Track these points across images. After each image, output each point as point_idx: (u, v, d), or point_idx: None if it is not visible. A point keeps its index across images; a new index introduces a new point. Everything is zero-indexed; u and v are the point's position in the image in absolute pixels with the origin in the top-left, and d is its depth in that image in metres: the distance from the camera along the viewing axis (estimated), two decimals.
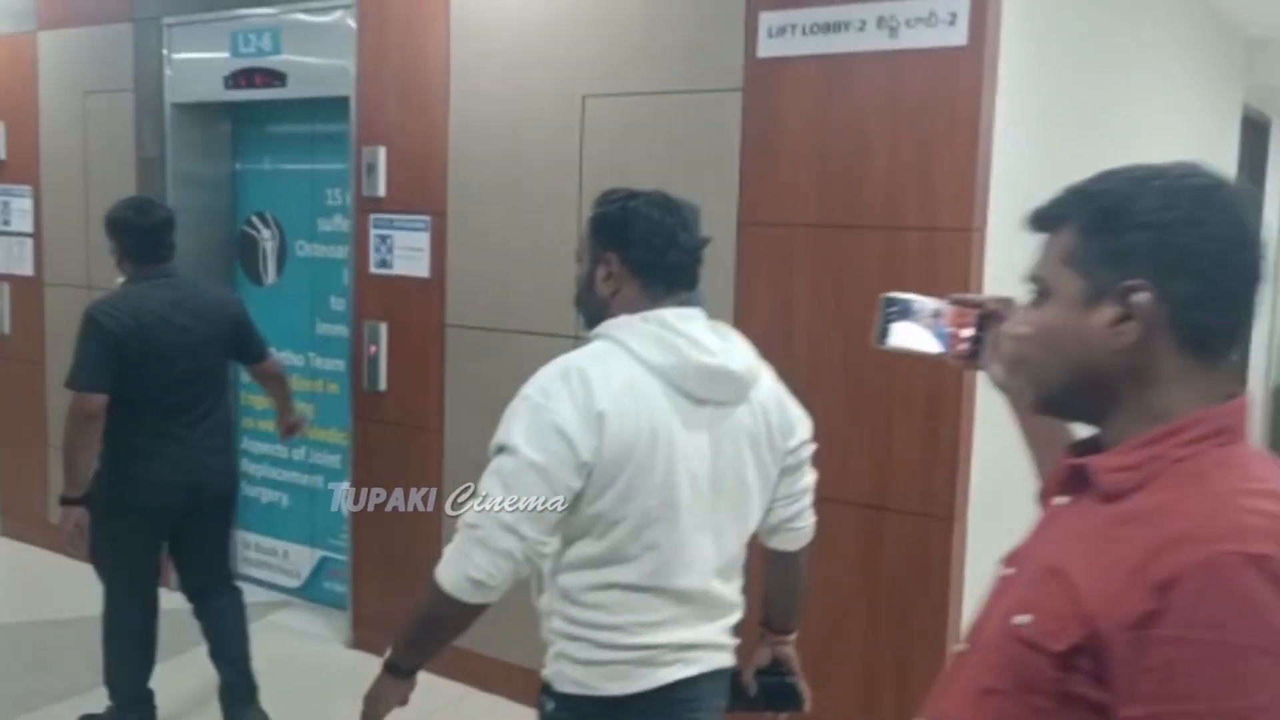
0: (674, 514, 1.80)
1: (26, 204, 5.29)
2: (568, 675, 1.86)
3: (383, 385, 4.11)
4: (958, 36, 2.88)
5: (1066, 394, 1.16)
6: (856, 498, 3.14)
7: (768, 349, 3.22)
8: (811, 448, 2.04)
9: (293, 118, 4.66)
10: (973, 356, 1.37)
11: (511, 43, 3.69)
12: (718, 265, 3.31)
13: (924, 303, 1.45)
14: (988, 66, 2.89)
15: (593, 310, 1.91)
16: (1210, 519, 0.99)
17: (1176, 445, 1.07)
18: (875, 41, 2.99)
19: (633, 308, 1.84)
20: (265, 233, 4.83)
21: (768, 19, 3.16)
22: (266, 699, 3.54)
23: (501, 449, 1.77)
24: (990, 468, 3.09)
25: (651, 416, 1.77)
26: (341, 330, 4.47)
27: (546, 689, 1.91)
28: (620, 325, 1.83)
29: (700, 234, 1.95)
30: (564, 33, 3.58)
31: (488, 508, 1.74)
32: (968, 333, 1.37)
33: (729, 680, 2.01)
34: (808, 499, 2.06)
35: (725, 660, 1.96)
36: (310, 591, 4.80)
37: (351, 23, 4.09)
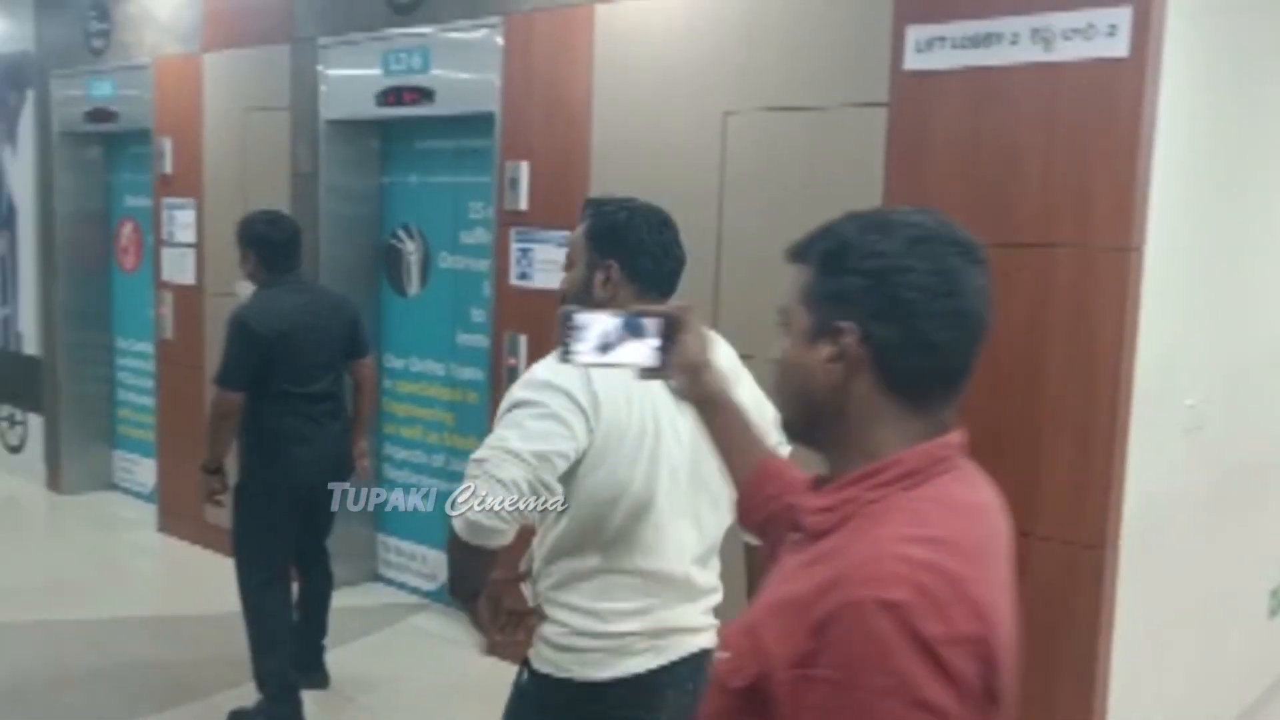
0: (654, 502, 1.88)
1: (190, 216, 5.57)
2: (544, 656, 1.95)
3: None
4: (1118, 48, 2.77)
5: (799, 425, 1.20)
6: None
7: None
8: (787, 448, 2.03)
9: (439, 133, 4.79)
10: (660, 367, 1.34)
11: (654, 59, 3.72)
12: None
13: (604, 317, 1.43)
14: (1149, 79, 2.78)
15: None
16: (862, 564, 1.02)
17: (869, 488, 1.10)
18: (1029, 54, 2.90)
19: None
20: (410, 244, 4.98)
21: (916, 32, 3.10)
22: (401, 701, 3.61)
23: (515, 405, 1.83)
24: (1149, 494, 2.96)
25: (640, 409, 1.86)
26: (481, 341, 4.57)
27: (526, 663, 2.00)
28: None
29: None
30: (706, 49, 3.58)
31: (496, 442, 1.79)
32: (654, 343, 1.35)
33: (710, 660, 2.01)
34: None
35: (705, 642, 1.99)
36: (446, 596, 4.91)
37: (499, 40, 4.18)
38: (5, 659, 4.21)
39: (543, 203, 4.10)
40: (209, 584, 4.94)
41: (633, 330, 1.36)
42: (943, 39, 3.05)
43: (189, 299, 5.63)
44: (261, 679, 3.64)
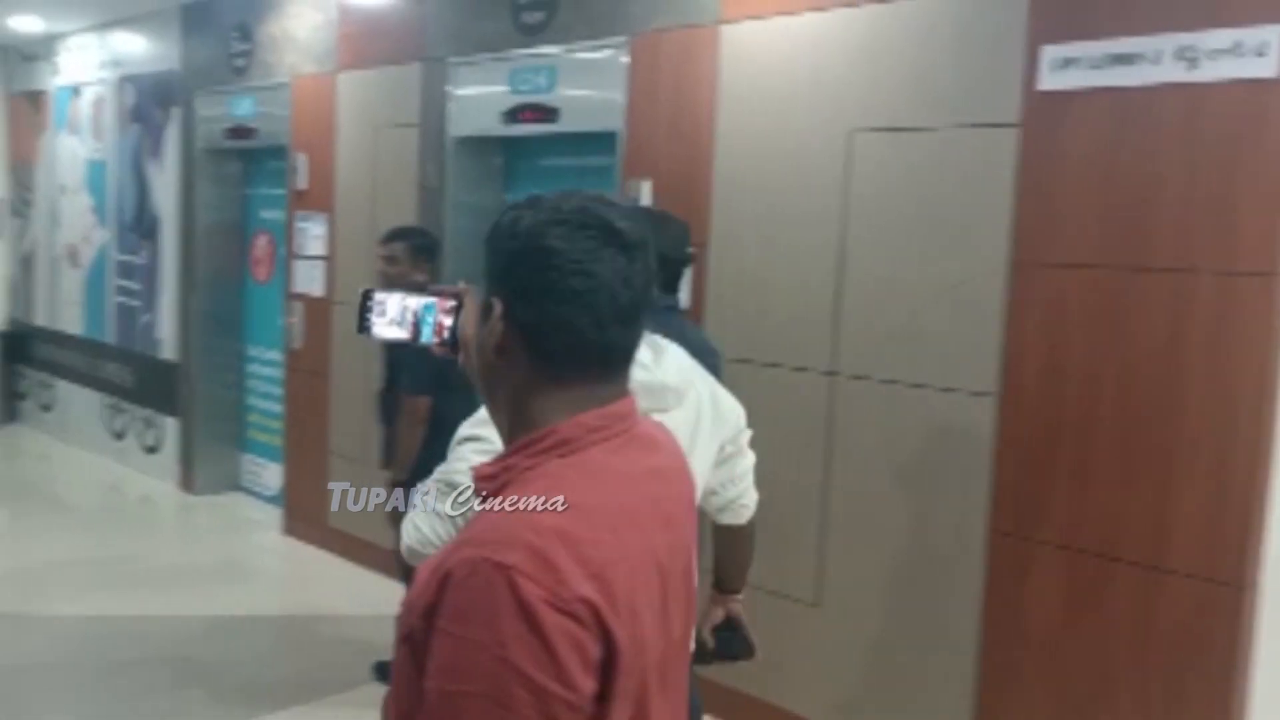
0: None
1: (322, 229, 5.77)
2: None
3: None
4: (1268, 68, 2.67)
5: (484, 396, 1.26)
6: (1129, 555, 2.95)
7: (1035, 394, 3.11)
8: (748, 434, 2.27)
9: (561, 151, 4.87)
10: (451, 346, 1.40)
11: (779, 77, 3.72)
12: (982, 308, 3.21)
13: (400, 296, 1.48)
14: None
15: None
16: (491, 526, 1.10)
17: (527, 456, 1.16)
18: (1172, 74, 2.82)
19: None
20: None
21: (1051, 52, 3.04)
22: None
23: (462, 440, 1.93)
24: None
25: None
26: None
27: None
28: None
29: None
30: (832, 67, 3.57)
31: (440, 476, 1.91)
32: (448, 322, 1.41)
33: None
34: (749, 479, 2.31)
35: None
36: None
37: (624, 59, 4.24)
38: (133, 651, 4.39)
39: None
40: (331, 586, 5.09)
41: (427, 309, 1.43)
42: (1079, 59, 2.99)
43: (318, 310, 5.82)
44: None
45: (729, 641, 2.44)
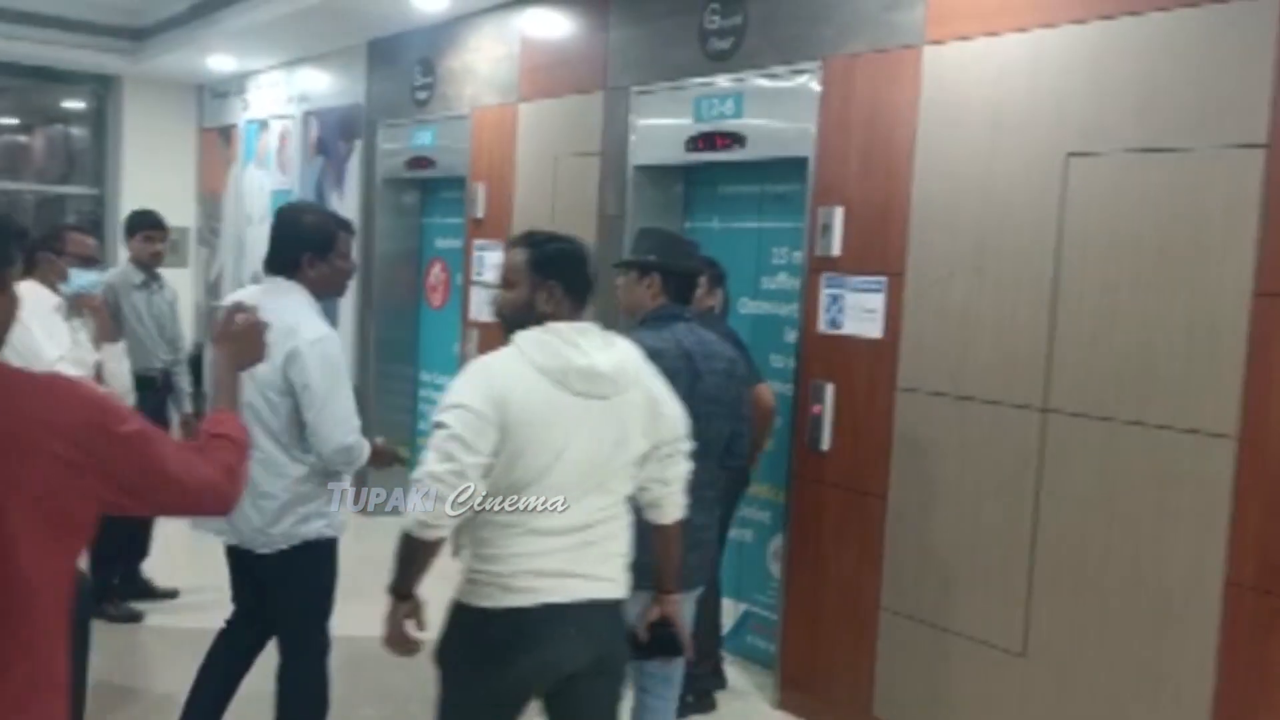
0: (549, 475, 2.28)
1: (498, 258, 5.83)
2: (459, 585, 2.40)
3: (825, 446, 4.08)
4: None
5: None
6: None
7: None
8: (687, 445, 2.54)
9: (744, 178, 4.80)
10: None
11: (988, 99, 3.57)
12: (1224, 338, 2.98)
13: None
14: None
15: (522, 324, 2.39)
16: None
17: None
18: None
19: (558, 321, 2.37)
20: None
21: None
22: None
23: (435, 426, 2.29)
24: None
25: (538, 404, 2.28)
26: (781, 388, 4.51)
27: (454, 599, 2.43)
28: (525, 337, 2.35)
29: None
30: (1049, 87, 3.40)
31: (431, 458, 2.27)
32: None
33: (615, 611, 2.42)
34: (680, 485, 2.55)
35: (602, 591, 2.38)
36: (732, 644, 4.84)
37: (815, 86, 4.15)
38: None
39: (856, 248, 4.01)
40: None
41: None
42: None
43: (494, 337, 5.86)
44: (697, 677, 3.97)
45: (661, 639, 2.63)
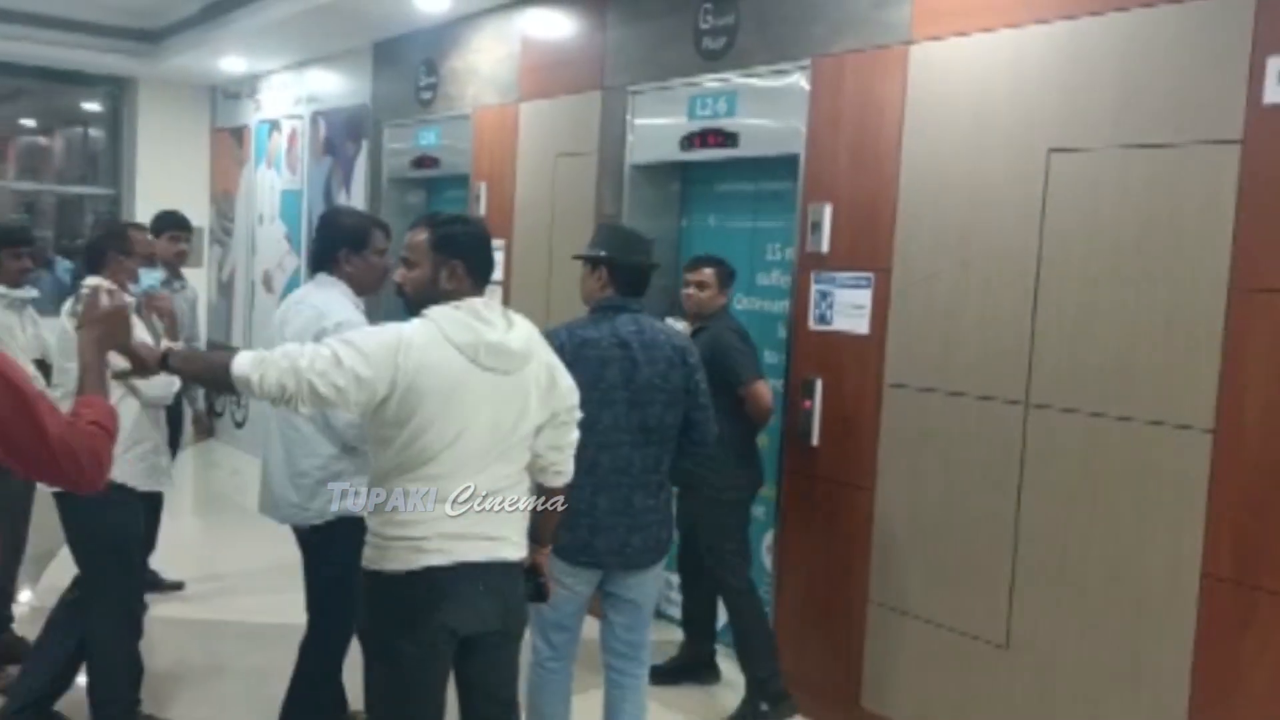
0: (457, 444, 2.43)
1: (499, 256, 5.90)
2: (368, 555, 2.53)
3: (815, 440, 4.12)
4: None
5: None
6: None
7: (1258, 430, 2.88)
8: (578, 414, 2.70)
9: (739, 176, 4.84)
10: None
11: (971, 97, 3.60)
12: (1198, 336, 3.00)
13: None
14: None
15: (427, 301, 2.51)
16: None
17: None
18: None
19: (460, 299, 2.49)
20: None
21: (1278, 63, 2.83)
22: None
23: (346, 342, 2.40)
24: None
25: (449, 375, 2.41)
26: (775, 384, 4.54)
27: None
28: (438, 311, 2.47)
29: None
30: (1030, 84, 3.43)
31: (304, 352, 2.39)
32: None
33: (516, 571, 2.61)
34: (570, 451, 2.72)
35: (505, 552, 2.55)
36: (727, 637, 4.87)
37: (805, 84, 4.19)
38: None
39: (845, 245, 4.04)
40: None
41: None
42: None
43: None
44: (763, 682, 3.98)
45: (534, 587, 2.80)
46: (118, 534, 3.49)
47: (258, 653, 4.65)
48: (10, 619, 4.40)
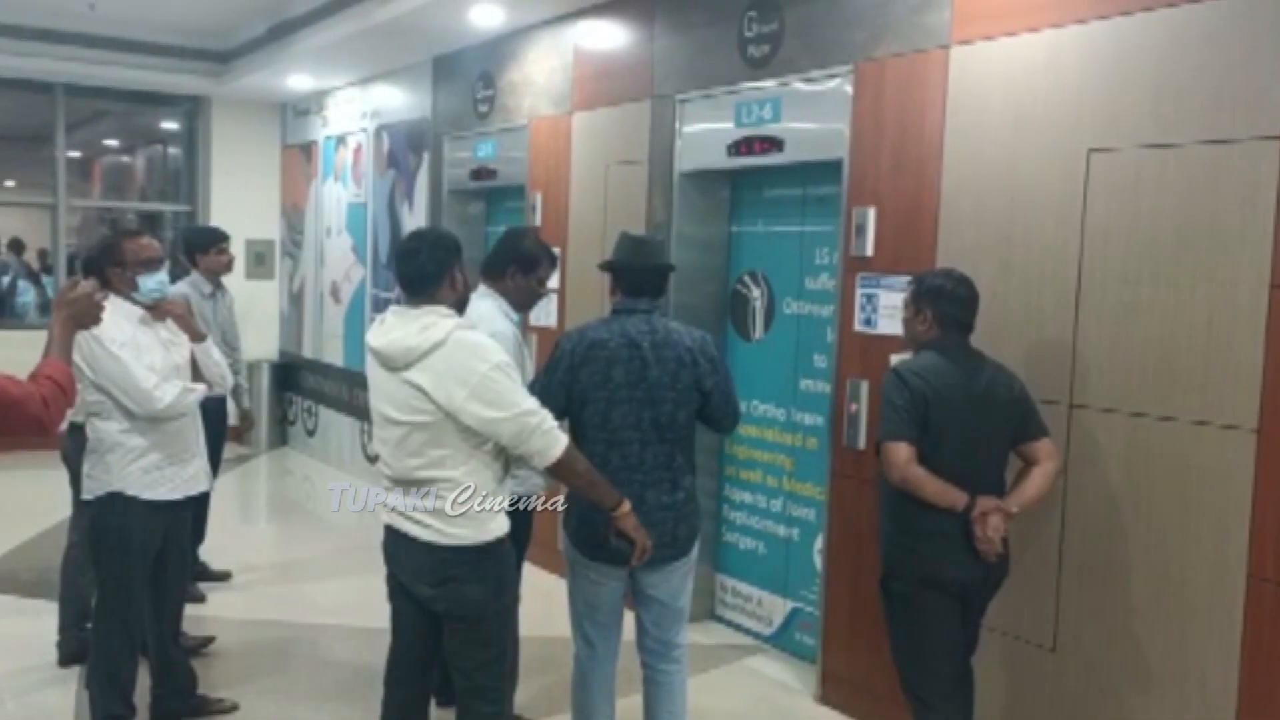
0: (379, 431, 2.94)
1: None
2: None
3: (862, 443, 4.13)
4: None
5: None
6: None
7: None
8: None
9: (786, 182, 4.88)
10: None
11: (1011, 98, 3.59)
12: (1240, 334, 2.97)
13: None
14: None
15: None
16: None
17: None
18: None
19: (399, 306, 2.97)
20: (755, 291, 5.08)
21: None
22: None
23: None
24: None
25: (371, 369, 2.95)
26: (823, 387, 4.57)
27: None
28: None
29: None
30: (1069, 84, 3.42)
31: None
32: None
33: (433, 553, 2.87)
34: (524, 448, 2.88)
35: (416, 532, 2.89)
36: (781, 640, 4.91)
37: (848, 89, 4.21)
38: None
39: (889, 248, 4.06)
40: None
41: None
42: None
43: (549, 341, 6.02)
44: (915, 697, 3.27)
45: (621, 544, 3.08)
46: (115, 537, 3.62)
47: (329, 653, 4.79)
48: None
